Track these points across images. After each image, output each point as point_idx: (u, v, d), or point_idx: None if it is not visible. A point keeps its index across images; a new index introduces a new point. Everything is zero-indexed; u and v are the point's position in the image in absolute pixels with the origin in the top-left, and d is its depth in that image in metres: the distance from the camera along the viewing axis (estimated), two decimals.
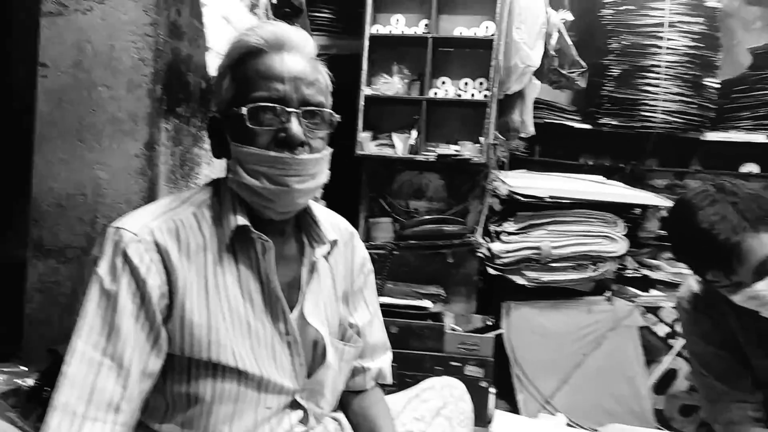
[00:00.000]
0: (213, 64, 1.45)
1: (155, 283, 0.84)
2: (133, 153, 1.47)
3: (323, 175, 0.93)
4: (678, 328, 2.62)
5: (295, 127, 0.87)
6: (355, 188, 2.84)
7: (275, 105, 0.87)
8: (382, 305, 2.48)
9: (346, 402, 1.14)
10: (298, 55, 0.91)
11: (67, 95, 1.47)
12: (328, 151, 0.94)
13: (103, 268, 0.83)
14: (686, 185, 4.17)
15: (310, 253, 1.00)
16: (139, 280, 0.83)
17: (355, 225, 2.82)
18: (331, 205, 2.81)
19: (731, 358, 1.30)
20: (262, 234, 0.91)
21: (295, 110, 0.88)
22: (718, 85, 3.87)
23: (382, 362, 1.18)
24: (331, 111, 0.94)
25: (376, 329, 1.17)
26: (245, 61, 0.90)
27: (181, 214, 0.91)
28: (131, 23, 1.46)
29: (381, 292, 2.52)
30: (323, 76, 0.94)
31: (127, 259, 0.83)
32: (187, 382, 0.88)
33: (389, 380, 1.19)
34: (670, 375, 2.62)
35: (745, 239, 1.12)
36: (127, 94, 1.47)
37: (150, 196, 1.46)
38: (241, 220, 0.90)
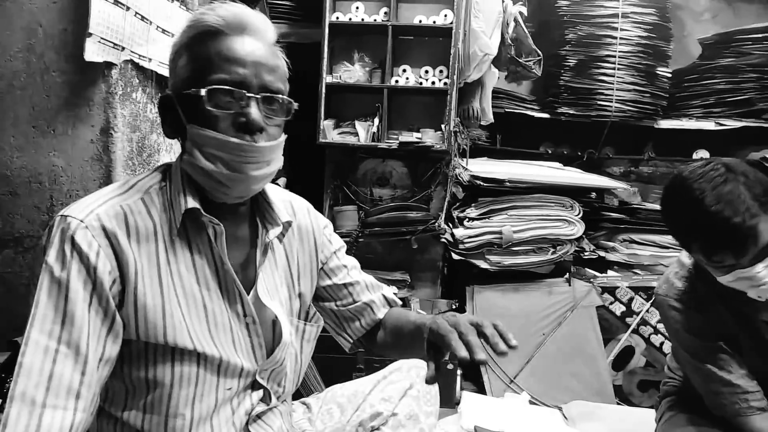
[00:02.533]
0: (91, 50, 1.37)
1: (105, 268, 0.83)
2: (88, 139, 1.44)
3: (278, 162, 0.93)
4: (635, 307, 2.72)
5: (255, 112, 0.86)
6: (319, 177, 2.84)
7: (235, 89, 0.86)
8: None
9: (370, 340, 1.16)
10: (259, 40, 0.90)
11: (19, 80, 1.43)
12: (283, 138, 0.94)
13: (51, 257, 0.82)
14: (640, 172, 4.33)
15: (264, 234, 1.00)
16: (89, 266, 0.82)
17: (320, 213, 2.82)
18: (296, 193, 2.79)
19: (727, 349, 1.30)
20: (213, 218, 0.91)
21: (255, 95, 0.87)
22: (670, 75, 3.99)
23: (384, 291, 1.20)
24: (289, 99, 0.93)
25: (361, 273, 1.19)
26: (203, 40, 0.88)
27: (129, 200, 0.89)
28: (83, 6, 1.43)
29: None
30: (283, 63, 0.94)
31: (75, 245, 0.82)
32: (145, 366, 0.88)
33: (398, 303, 1.21)
34: (627, 352, 2.72)
35: (759, 221, 1.11)
36: (81, 78, 1.44)
37: (106, 183, 1.44)
38: (192, 203, 0.89)
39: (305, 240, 1.10)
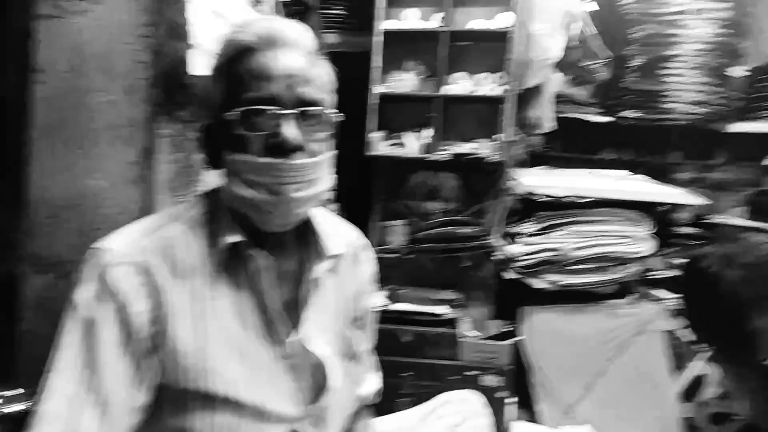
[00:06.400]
0: (197, 62, 1.38)
1: (141, 309, 0.78)
2: (130, 161, 1.40)
3: (325, 181, 0.86)
4: None
5: (290, 130, 0.79)
6: (368, 190, 2.77)
7: (267, 107, 0.80)
8: (394, 311, 2.43)
9: None
10: (294, 51, 0.83)
11: (64, 101, 1.40)
12: (329, 154, 0.86)
13: (83, 294, 0.78)
14: (711, 178, 4.06)
15: (312, 268, 0.92)
16: (124, 307, 0.77)
17: (368, 228, 2.76)
18: (344, 208, 2.73)
19: None
20: (257, 250, 0.85)
21: (289, 111, 0.80)
22: (745, 74, 3.74)
23: (374, 384, 1.13)
24: (332, 111, 0.85)
25: (370, 350, 1.12)
26: (237, 60, 0.82)
27: (171, 232, 0.84)
28: (129, 24, 1.39)
29: (395, 297, 2.46)
30: (323, 72, 0.86)
31: (110, 283, 0.77)
32: (180, 414, 0.82)
33: (376, 399, 1.15)
34: (699, 381, 2.51)
35: (762, 328, 1.01)
36: (124, 98, 1.40)
37: (148, 205, 1.40)
38: (234, 237, 0.84)
39: (355, 280, 1.03)
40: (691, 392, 2.51)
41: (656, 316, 2.52)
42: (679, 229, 2.72)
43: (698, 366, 2.50)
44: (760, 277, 1.03)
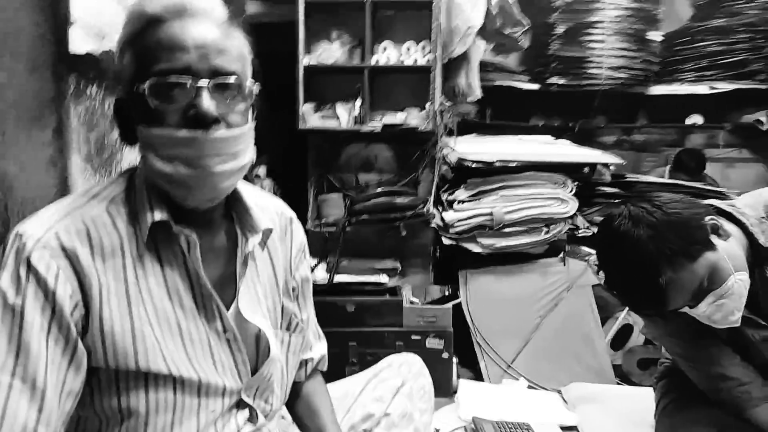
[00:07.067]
0: (78, 38, 1.33)
1: (66, 292, 0.76)
2: (40, 142, 1.33)
3: (247, 154, 0.85)
4: None
5: (206, 101, 0.78)
6: (302, 164, 2.74)
7: (180, 78, 0.78)
8: (336, 283, 2.43)
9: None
10: (204, 21, 0.81)
11: None
12: (250, 126, 0.85)
13: (5, 281, 0.75)
14: (633, 140, 4.25)
15: (243, 243, 0.92)
16: (47, 291, 0.75)
17: (304, 202, 2.74)
18: (278, 183, 2.67)
19: (713, 343, 1.27)
20: (184, 228, 0.83)
21: (203, 82, 0.78)
22: (661, 39, 3.90)
23: (321, 349, 1.16)
24: (249, 81, 0.84)
25: (313, 318, 1.14)
26: (145, 32, 0.80)
27: (92, 211, 0.82)
28: None
29: (336, 269, 2.46)
30: (238, 42, 0.84)
31: (31, 267, 0.75)
32: (117, 395, 0.81)
33: (324, 367, 1.17)
34: (626, 330, 2.66)
35: (670, 281, 1.08)
36: (29, 76, 1.32)
37: (63, 188, 1.34)
38: (159, 215, 0.82)
39: (287, 251, 1.04)
40: (618, 341, 2.66)
41: (583, 271, 2.63)
42: (601, 188, 2.83)
43: (624, 316, 2.64)
44: (667, 234, 1.08)
